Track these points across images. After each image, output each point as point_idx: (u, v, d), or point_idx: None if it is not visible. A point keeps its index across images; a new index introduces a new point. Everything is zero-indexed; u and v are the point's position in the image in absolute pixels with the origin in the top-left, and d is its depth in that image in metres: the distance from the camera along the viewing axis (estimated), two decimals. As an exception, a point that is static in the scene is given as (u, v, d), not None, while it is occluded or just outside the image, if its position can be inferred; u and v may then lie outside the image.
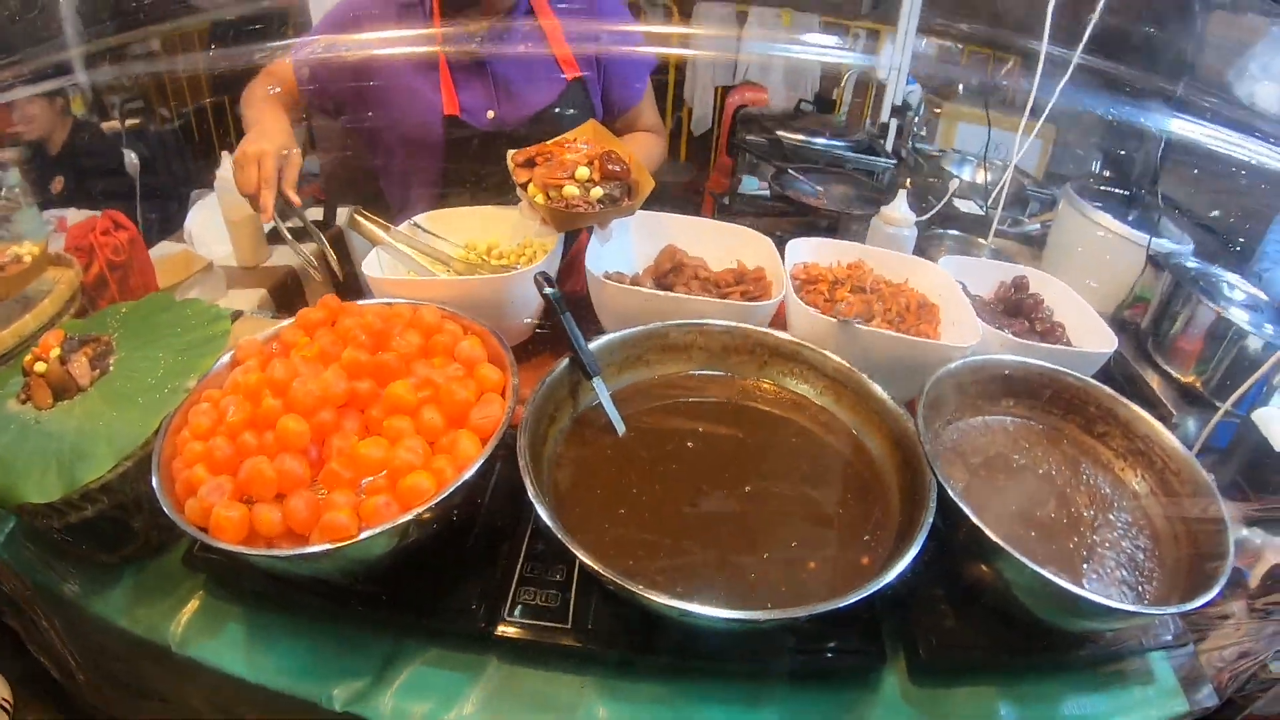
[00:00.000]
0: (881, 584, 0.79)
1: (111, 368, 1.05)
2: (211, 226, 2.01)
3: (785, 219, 1.95)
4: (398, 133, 1.57)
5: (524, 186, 1.29)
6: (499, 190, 1.41)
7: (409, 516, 0.82)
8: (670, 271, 1.35)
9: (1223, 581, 0.86)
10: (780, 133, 2.24)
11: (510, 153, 1.34)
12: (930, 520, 0.86)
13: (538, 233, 1.36)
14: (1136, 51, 1.71)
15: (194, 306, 1.17)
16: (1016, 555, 0.82)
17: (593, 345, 1.07)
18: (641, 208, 1.34)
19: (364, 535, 0.81)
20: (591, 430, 1.07)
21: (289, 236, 1.31)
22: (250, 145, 1.26)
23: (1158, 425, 1.08)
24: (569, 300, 1.10)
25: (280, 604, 1.00)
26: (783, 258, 1.36)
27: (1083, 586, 0.90)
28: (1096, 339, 1.31)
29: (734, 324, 1.16)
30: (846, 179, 2.08)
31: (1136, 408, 1.10)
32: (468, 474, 0.86)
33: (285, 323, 1.11)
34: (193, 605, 1.02)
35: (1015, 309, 1.43)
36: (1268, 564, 1.13)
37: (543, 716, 0.91)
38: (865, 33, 3.79)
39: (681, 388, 1.16)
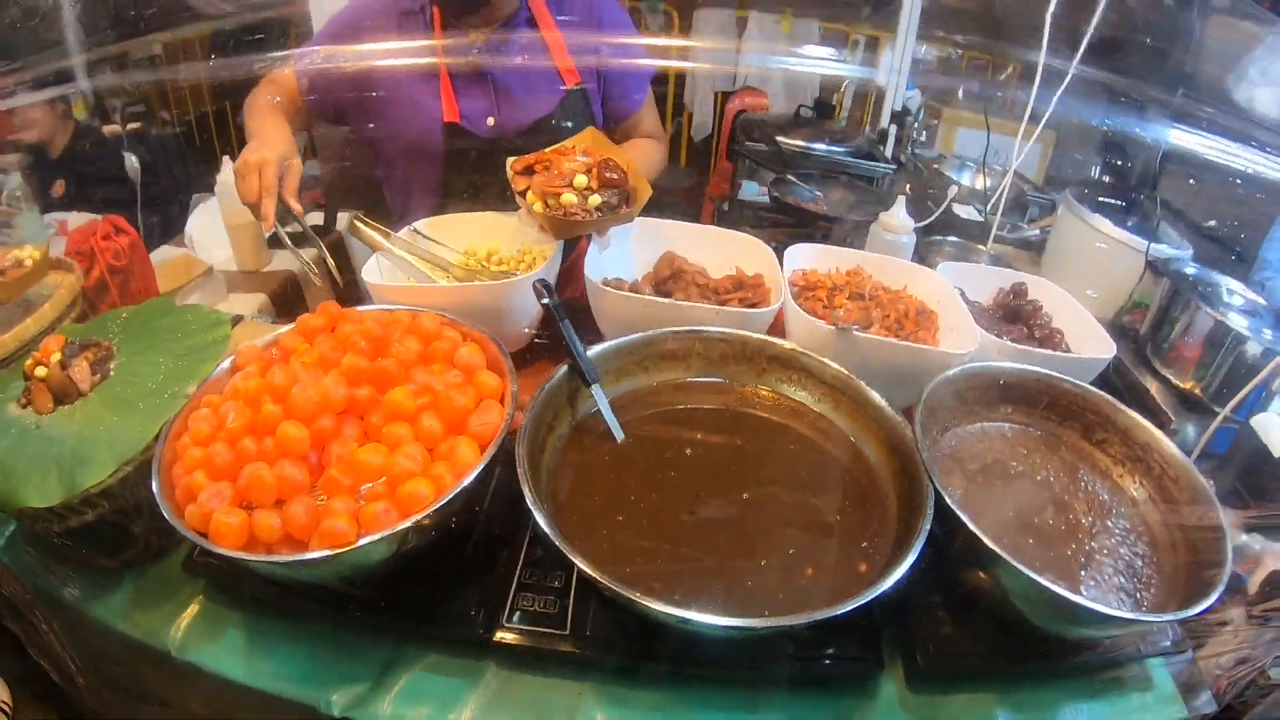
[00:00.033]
0: (879, 592, 0.80)
1: (112, 373, 1.05)
2: (212, 231, 2.02)
3: (784, 225, 1.95)
4: (398, 140, 1.57)
5: (523, 194, 1.30)
6: (499, 197, 1.41)
7: (408, 523, 0.82)
8: (669, 278, 1.36)
9: (1220, 588, 0.86)
10: (780, 138, 2.24)
11: (510, 160, 1.35)
12: (927, 528, 0.87)
13: (537, 239, 1.37)
14: (1135, 58, 1.71)
15: (194, 312, 1.17)
16: (1013, 562, 0.82)
17: (591, 352, 1.08)
18: (642, 213, 1.34)
19: (363, 542, 0.81)
20: (590, 437, 1.07)
21: (289, 243, 1.32)
22: (251, 154, 1.27)
23: (1156, 432, 1.08)
24: (569, 306, 1.11)
25: (280, 609, 1.00)
26: (781, 264, 1.37)
27: (1080, 593, 0.91)
28: (1095, 345, 1.31)
29: (732, 331, 1.17)
30: (846, 185, 2.08)
31: (1134, 414, 1.10)
32: (466, 481, 0.86)
33: (285, 328, 1.11)
34: (192, 610, 1.02)
35: (1014, 315, 1.44)
36: (1267, 570, 1.13)
37: (541, 723, 0.92)
38: (865, 38, 3.80)
39: (680, 395, 1.16)
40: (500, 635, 0.94)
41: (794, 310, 1.23)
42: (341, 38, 1.55)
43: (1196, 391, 1.45)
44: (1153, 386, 1.50)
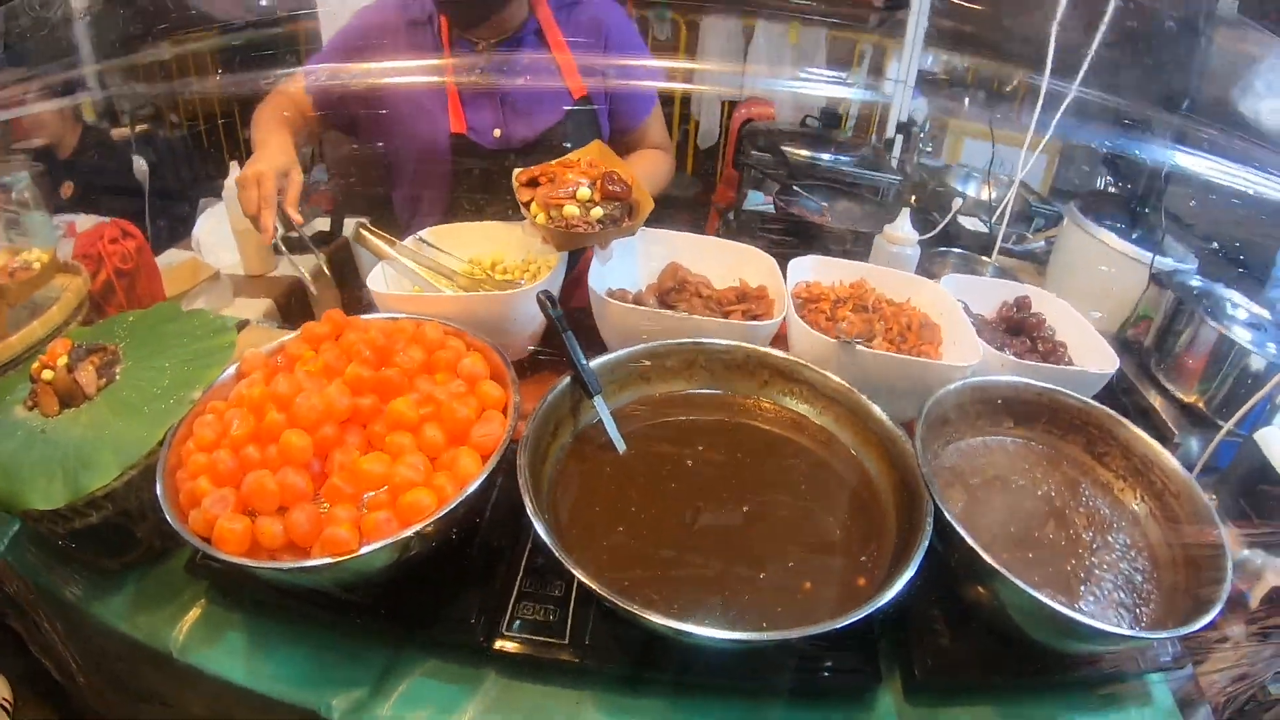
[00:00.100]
0: (876, 606, 0.80)
1: (118, 377, 1.06)
2: (219, 235, 2.02)
3: (789, 235, 1.95)
4: (405, 150, 1.58)
5: (527, 205, 1.30)
6: (505, 208, 1.42)
7: (409, 532, 0.83)
8: (673, 289, 1.36)
9: (1220, 605, 0.86)
10: (786, 148, 2.24)
11: (515, 171, 1.36)
12: (926, 543, 0.87)
13: (541, 249, 1.38)
14: (1141, 70, 1.71)
15: (200, 317, 1.18)
16: (1012, 578, 0.83)
17: (594, 363, 1.08)
18: (647, 223, 1.35)
19: (364, 550, 0.81)
20: (592, 448, 1.07)
21: (285, 252, 1.33)
22: (251, 167, 1.29)
23: (1157, 446, 1.08)
24: (575, 314, 1.11)
25: (281, 613, 1.01)
26: (785, 276, 1.37)
27: (1079, 609, 0.91)
28: (1098, 359, 1.31)
29: (735, 343, 1.17)
30: (851, 195, 2.08)
31: (1136, 429, 1.10)
32: (468, 491, 0.87)
33: (290, 335, 1.12)
34: (194, 612, 1.03)
35: (1017, 328, 1.44)
36: (1268, 585, 1.12)
37: (539, 731, 0.92)
38: (873, 47, 3.80)
39: (682, 406, 1.16)
40: (500, 643, 0.94)
41: (797, 323, 1.23)
42: (349, 48, 1.57)
43: (1200, 405, 1.44)
44: (1156, 400, 1.49)
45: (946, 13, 2.39)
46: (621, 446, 1.06)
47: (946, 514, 0.88)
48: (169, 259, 1.91)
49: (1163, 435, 1.40)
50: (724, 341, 1.17)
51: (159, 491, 0.88)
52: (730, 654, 0.91)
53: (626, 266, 1.42)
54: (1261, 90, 1.47)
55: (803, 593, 0.90)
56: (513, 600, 0.98)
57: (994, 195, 2.19)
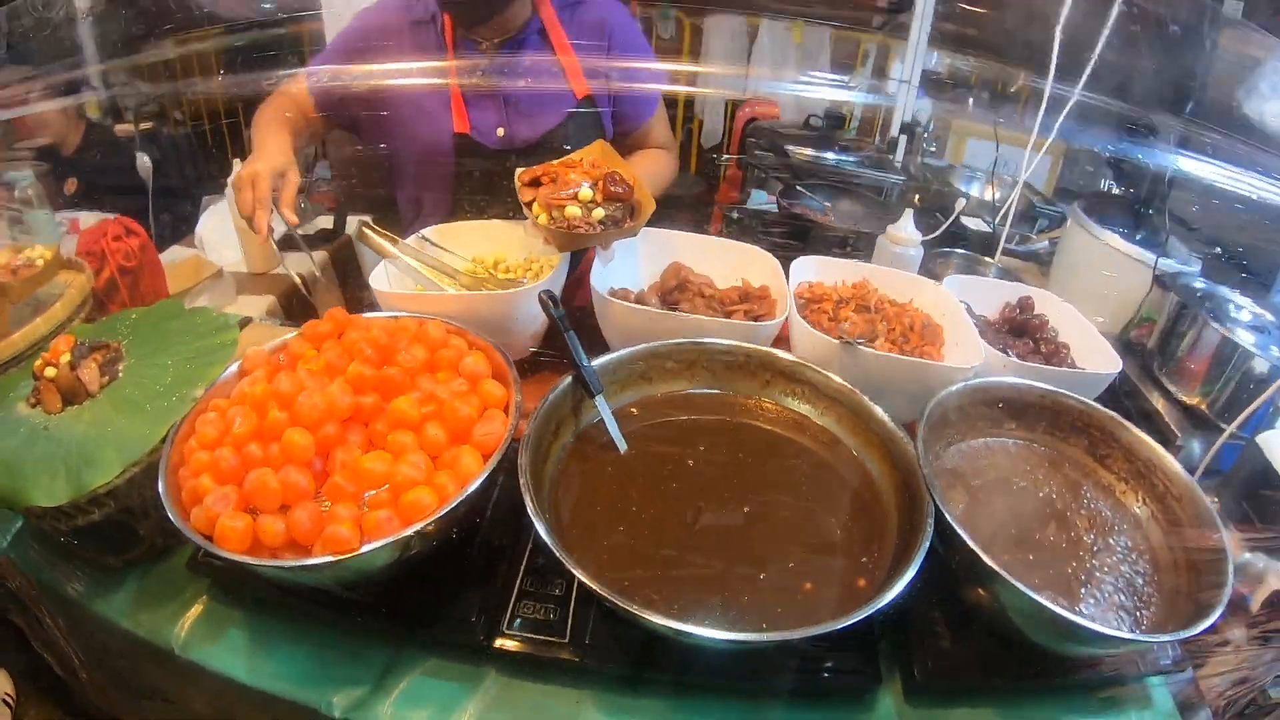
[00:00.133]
0: (876, 607, 0.80)
1: (121, 374, 1.06)
2: (223, 232, 2.03)
3: (792, 235, 1.95)
4: (409, 149, 1.58)
5: (529, 205, 1.30)
6: (508, 208, 1.42)
7: (410, 531, 0.83)
8: (675, 288, 1.36)
9: (1220, 609, 0.86)
10: (790, 147, 2.24)
11: (518, 171, 1.35)
12: (927, 544, 0.87)
13: (544, 249, 1.38)
14: (1145, 74, 1.71)
15: (203, 315, 1.18)
16: (1012, 580, 0.82)
17: (595, 363, 1.08)
18: (650, 222, 1.34)
19: (365, 549, 0.82)
20: (593, 447, 1.07)
21: (281, 258, 1.33)
22: (246, 168, 1.29)
23: (1160, 449, 1.08)
24: (578, 313, 1.11)
25: (283, 611, 1.01)
26: (788, 276, 1.37)
27: (1079, 611, 0.91)
28: (1101, 360, 1.31)
29: (737, 343, 1.17)
30: (855, 195, 2.08)
31: (1139, 431, 1.10)
32: (469, 490, 0.87)
33: (292, 333, 1.12)
34: (196, 609, 1.03)
35: (1020, 329, 1.44)
36: (1269, 589, 1.12)
37: (539, 730, 0.92)
38: (877, 46, 3.80)
39: (683, 406, 1.16)
40: (500, 642, 0.94)
41: (799, 323, 1.23)
42: (352, 48, 1.57)
43: (1203, 407, 1.44)
44: (1159, 402, 1.49)
45: (950, 16, 2.39)
46: (623, 446, 1.06)
47: (947, 515, 0.88)
48: (172, 256, 1.91)
49: (1165, 438, 1.40)
50: (726, 342, 1.17)
51: (161, 489, 0.89)
52: (730, 654, 0.91)
53: (629, 266, 1.42)
54: (1266, 94, 1.46)
55: (803, 593, 0.90)
56: (513, 599, 0.98)
57: (997, 196, 2.19)
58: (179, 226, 2.18)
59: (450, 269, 1.36)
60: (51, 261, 1.34)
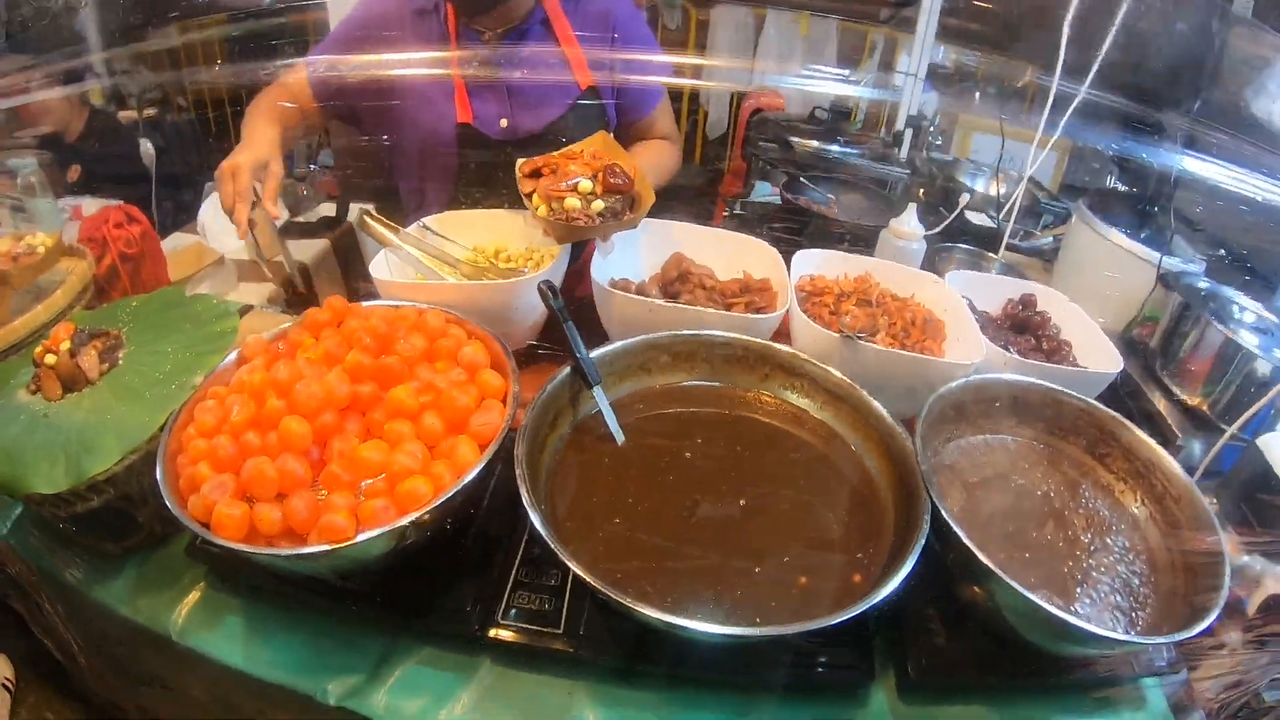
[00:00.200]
0: (871, 603, 0.80)
1: (120, 361, 1.06)
2: (224, 220, 2.01)
3: (795, 228, 1.95)
4: (411, 139, 1.58)
5: (530, 196, 1.30)
6: (510, 198, 1.41)
7: (405, 520, 0.83)
8: (677, 279, 1.36)
9: (1216, 612, 0.86)
10: (794, 140, 2.23)
11: (518, 162, 1.35)
12: (923, 541, 0.87)
13: (543, 239, 1.37)
14: (1152, 72, 1.70)
15: (203, 303, 1.18)
16: (1007, 579, 0.82)
17: (594, 354, 1.08)
18: (652, 213, 1.34)
19: (361, 538, 0.82)
20: (590, 438, 1.07)
21: (262, 259, 1.32)
22: (228, 160, 1.27)
23: (1159, 449, 1.07)
24: (579, 304, 1.11)
25: (279, 599, 1.02)
26: (789, 269, 1.37)
27: (1074, 611, 0.91)
28: (1102, 359, 1.30)
29: (736, 336, 1.17)
30: (859, 188, 2.07)
31: (1139, 431, 1.09)
32: (465, 480, 0.87)
33: (292, 321, 1.12)
34: (194, 596, 1.04)
35: (1022, 326, 1.43)
36: (1266, 592, 1.12)
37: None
38: (884, 39, 3.77)
39: (682, 398, 1.16)
40: (495, 632, 0.95)
41: (799, 316, 1.23)
42: (354, 36, 1.56)
43: (1204, 408, 1.43)
44: (1160, 402, 1.48)
45: (957, 10, 2.38)
46: (620, 438, 1.06)
47: (943, 512, 0.88)
48: (174, 243, 1.91)
49: (1165, 438, 1.39)
50: (725, 334, 1.17)
51: (159, 476, 0.89)
52: (724, 648, 0.91)
53: (630, 257, 1.41)
54: (1275, 94, 1.45)
55: (798, 588, 0.90)
56: (508, 589, 0.98)
57: (1002, 191, 2.17)
58: (181, 213, 2.19)
59: (451, 258, 1.36)
60: (53, 249, 1.35)
